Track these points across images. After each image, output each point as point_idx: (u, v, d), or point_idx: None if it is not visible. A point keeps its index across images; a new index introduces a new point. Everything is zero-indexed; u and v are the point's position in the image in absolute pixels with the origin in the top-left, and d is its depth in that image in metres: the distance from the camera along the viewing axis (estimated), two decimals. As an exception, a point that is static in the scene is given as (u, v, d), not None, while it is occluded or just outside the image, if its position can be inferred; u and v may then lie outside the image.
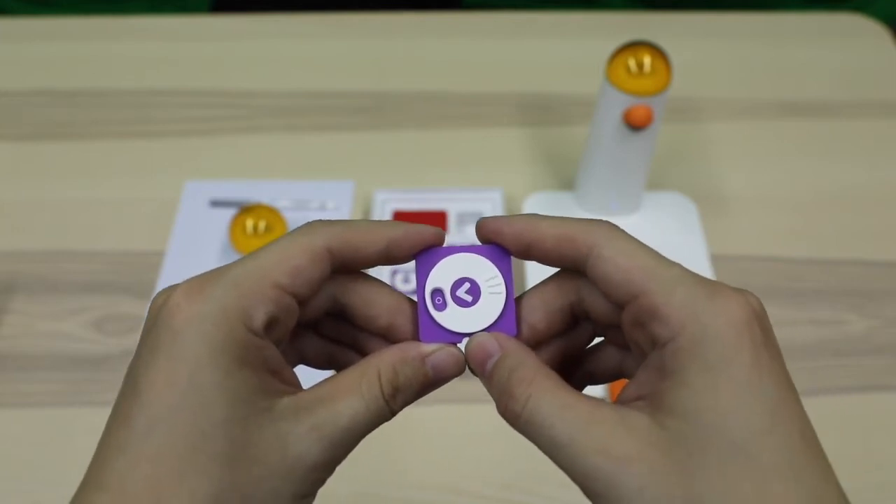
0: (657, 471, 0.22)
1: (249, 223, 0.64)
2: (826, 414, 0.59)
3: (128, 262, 0.68)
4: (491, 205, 0.70)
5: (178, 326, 0.23)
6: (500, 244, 0.27)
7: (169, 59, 0.86)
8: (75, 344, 0.62)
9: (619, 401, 0.25)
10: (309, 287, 0.25)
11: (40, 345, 0.62)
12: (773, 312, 0.69)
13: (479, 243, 0.28)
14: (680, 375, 0.23)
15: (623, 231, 0.26)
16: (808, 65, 0.86)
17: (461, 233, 0.69)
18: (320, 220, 0.26)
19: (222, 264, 0.74)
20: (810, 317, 0.64)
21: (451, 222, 0.69)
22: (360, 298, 0.27)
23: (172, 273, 0.66)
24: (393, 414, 0.26)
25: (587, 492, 0.23)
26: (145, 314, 0.69)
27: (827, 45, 0.88)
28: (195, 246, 0.68)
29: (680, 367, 0.23)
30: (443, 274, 0.27)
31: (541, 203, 0.70)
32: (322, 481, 0.25)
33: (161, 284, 0.66)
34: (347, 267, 0.27)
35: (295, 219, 0.69)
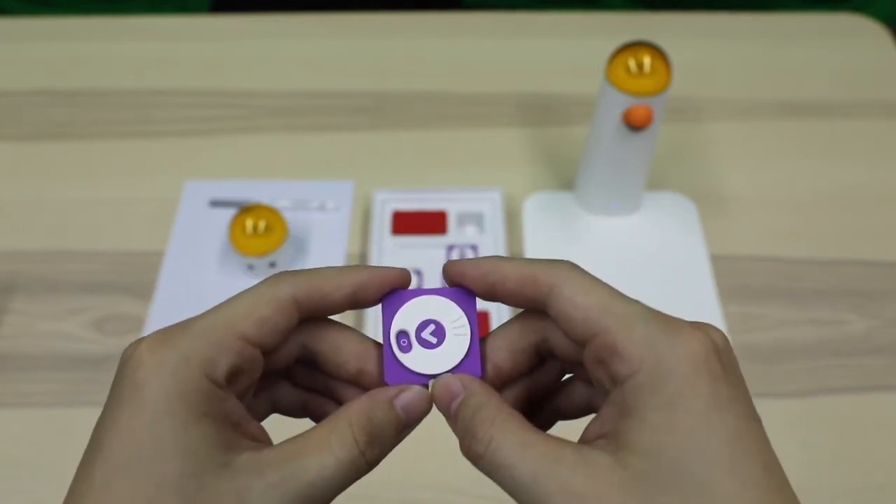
0: None
1: (249, 223, 0.64)
2: (826, 414, 0.59)
3: (128, 262, 0.68)
4: (491, 205, 0.70)
5: (140, 379, 0.23)
6: (465, 286, 0.28)
7: (169, 59, 0.86)
8: (75, 344, 0.62)
9: (582, 439, 0.25)
10: (275, 337, 0.26)
11: (40, 345, 0.62)
12: (774, 312, 0.69)
13: (446, 286, 0.28)
14: (639, 412, 0.23)
15: (582, 270, 0.26)
16: (808, 65, 0.86)
17: (461, 233, 0.69)
18: (287, 271, 0.27)
19: (222, 264, 0.73)
20: (810, 317, 0.64)
21: (451, 222, 0.69)
22: (328, 345, 0.27)
23: (172, 273, 0.66)
24: (369, 466, 0.25)
25: None
26: (145, 314, 0.68)
27: (827, 45, 0.88)
28: (195, 246, 0.68)
29: (639, 404, 0.23)
30: (408, 316, 0.28)
31: (541, 203, 0.70)
32: None
33: (161, 284, 0.66)
34: (316, 314, 0.27)
35: (295, 219, 0.69)
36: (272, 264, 0.65)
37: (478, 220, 0.69)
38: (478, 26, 0.91)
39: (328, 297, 0.26)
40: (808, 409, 0.59)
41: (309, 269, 0.27)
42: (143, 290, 0.66)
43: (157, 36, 0.89)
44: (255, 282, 0.27)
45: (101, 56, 0.86)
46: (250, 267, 0.65)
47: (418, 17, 0.91)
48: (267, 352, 0.26)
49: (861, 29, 0.90)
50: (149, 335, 0.25)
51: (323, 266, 0.27)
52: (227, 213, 0.69)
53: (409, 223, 0.69)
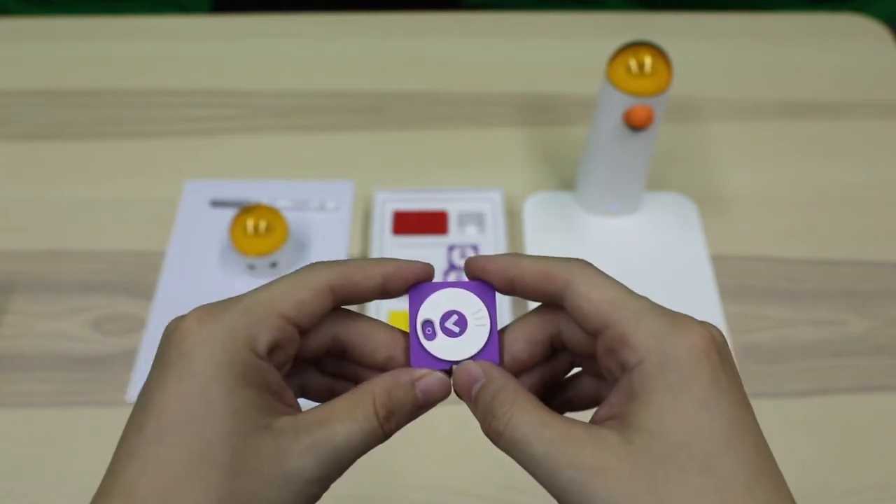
0: (625, 482, 0.24)
1: (250, 223, 0.64)
2: (826, 414, 0.59)
3: (128, 262, 0.68)
4: (491, 205, 0.70)
5: (189, 347, 0.25)
6: (485, 281, 0.30)
7: (169, 59, 0.86)
8: (75, 344, 0.62)
9: (593, 421, 0.27)
10: (311, 319, 0.28)
11: (40, 345, 0.62)
12: (774, 312, 0.69)
13: (467, 280, 0.30)
14: (646, 396, 0.25)
15: (596, 268, 0.28)
16: (808, 65, 0.86)
17: (462, 233, 0.69)
18: (322, 261, 0.29)
19: (222, 264, 0.73)
20: (810, 317, 0.64)
21: (452, 222, 0.69)
22: (360, 336, 0.30)
23: (172, 273, 0.66)
24: (386, 436, 0.28)
25: None
26: (145, 314, 0.69)
27: (827, 45, 0.88)
28: (195, 246, 0.68)
29: (646, 389, 0.25)
30: (433, 307, 0.30)
31: (541, 203, 0.70)
32: (317, 496, 0.26)
33: (161, 284, 0.66)
34: (347, 301, 0.29)
35: (295, 219, 0.69)
36: (273, 264, 0.65)
37: (478, 220, 0.69)
38: (478, 26, 0.91)
39: (359, 286, 0.29)
40: (808, 409, 0.59)
41: (342, 260, 0.29)
42: (143, 290, 0.66)
43: (157, 36, 0.89)
44: (256, 282, 0.29)
45: (101, 56, 0.86)
46: (251, 267, 0.65)
47: (418, 17, 0.91)
48: (302, 331, 0.28)
49: (861, 29, 0.90)
50: (194, 310, 0.27)
51: (354, 258, 0.29)
52: (228, 213, 0.69)
53: (410, 223, 0.69)
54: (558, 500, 0.25)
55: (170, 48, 0.87)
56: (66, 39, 0.88)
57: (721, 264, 0.67)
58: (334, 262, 0.29)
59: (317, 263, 0.29)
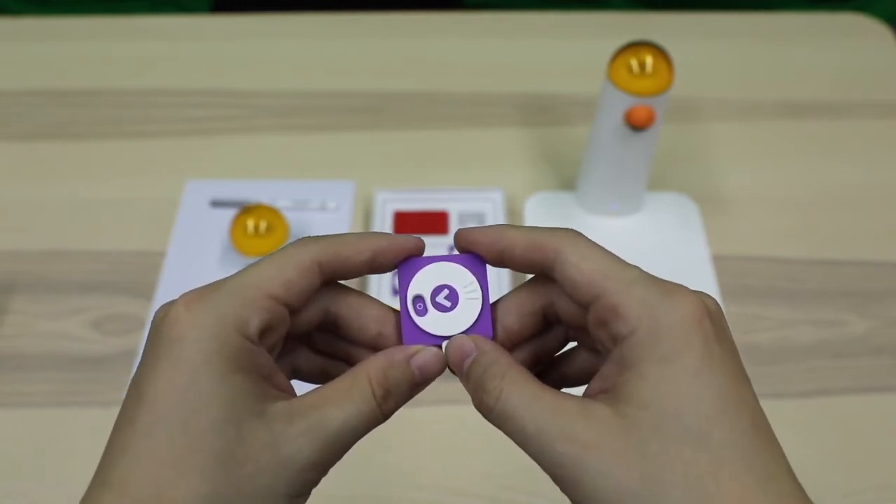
0: (617, 456, 0.23)
1: (250, 223, 0.64)
2: (826, 415, 0.59)
3: (128, 262, 0.68)
4: (492, 205, 0.70)
5: (178, 335, 0.25)
6: (476, 253, 0.29)
7: (169, 59, 0.86)
8: (75, 344, 0.62)
9: (586, 395, 0.27)
10: (300, 297, 0.27)
11: (40, 345, 0.62)
12: (774, 313, 0.69)
13: (457, 253, 0.30)
14: (637, 368, 0.24)
15: (586, 237, 0.27)
16: (809, 65, 0.86)
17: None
18: (311, 237, 0.28)
19: (223, 264, 0.73)
20: (810, 317, 0.64)
21: (453, 222, 0.69)
22: (350, 310, 0.29)
23: (173, 273, 0.66)
24: (385, 416, 0.27)
25: (556, 479, 0.24)
26: (145, 314, 0.68)
27: (827, 45, 0.88)
28: (195, 246, 0.68)
29: (637, 360, 0.24)
30: (423, 282, 0.29)
31: (542, 203, 0.70)
32: (315, 482, 0.26)
33: (161, 284, 0.66)
34: (337, 277, 0.29)
35: (295, 219, 0.69)
36: (272, 264, 0.65)
37: (479, 220, 0.69)
38: (478, 26, 0.91)
39: (348, 261, 0.28)
40: (809, 410, 0.59)
41: (332, 235, 0.28)
42: (143, 290, 0.66)
43: (157, 36, 0.89)
44: None
45: (101, 56, 0.86)
46: (250, 267, 0.65)
47: (418, 17, 0.91)
48: (292, 310, 0.27)
49: (862, 28, 0.90)
50: (182, 296, 0.26)
51: (343, 232, 0.29)
52: (228, 213, 0.69)
53: (411, 223, 0.69)
54: (552, 477, 0.25)
55: (170, 48, 0.87)
56: (66, 39, 0.88)
57: (722, 264, 0.67)
58: (323, 237, 0.28)
59: (306, 238, 0.28)
